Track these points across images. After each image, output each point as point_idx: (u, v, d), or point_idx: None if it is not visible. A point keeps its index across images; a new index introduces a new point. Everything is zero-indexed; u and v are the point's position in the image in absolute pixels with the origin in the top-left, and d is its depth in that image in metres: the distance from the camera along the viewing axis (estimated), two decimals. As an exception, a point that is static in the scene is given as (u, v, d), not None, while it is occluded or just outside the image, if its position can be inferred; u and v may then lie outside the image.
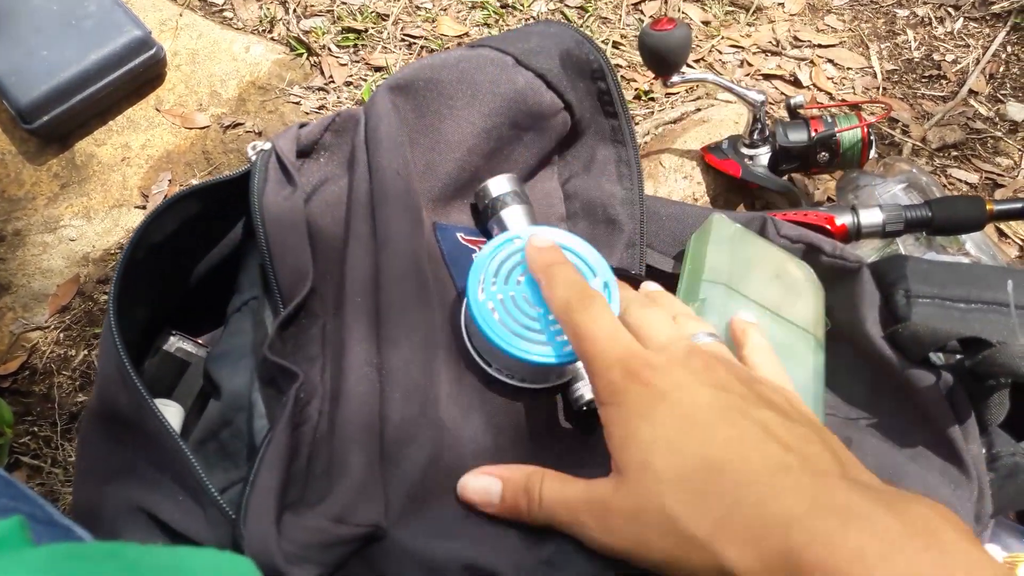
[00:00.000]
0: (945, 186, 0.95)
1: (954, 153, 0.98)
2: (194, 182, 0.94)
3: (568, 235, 0.47)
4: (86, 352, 0.82)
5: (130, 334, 0.44)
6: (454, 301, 0.48)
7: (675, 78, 0.73)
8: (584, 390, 0.45)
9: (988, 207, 0.67)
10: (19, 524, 0.23)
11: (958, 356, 0.51)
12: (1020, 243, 0.88)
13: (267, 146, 0.47)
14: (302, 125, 0.50)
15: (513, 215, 0.51)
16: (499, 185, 0.52)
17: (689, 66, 1.03)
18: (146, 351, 0.53)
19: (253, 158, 0.47)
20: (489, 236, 0.53)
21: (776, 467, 0.29)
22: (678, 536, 0.29)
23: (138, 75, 0.96)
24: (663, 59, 0.70)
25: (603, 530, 0.32)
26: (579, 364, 0.45)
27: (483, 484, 0.37)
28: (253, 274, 0.49)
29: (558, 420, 0.46)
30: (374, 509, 0.37)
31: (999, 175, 0.96)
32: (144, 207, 0.92)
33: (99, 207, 0.93)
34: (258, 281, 0.47)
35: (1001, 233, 0.89)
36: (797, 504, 0.27)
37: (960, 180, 0.95)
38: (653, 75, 0.80)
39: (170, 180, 0.94)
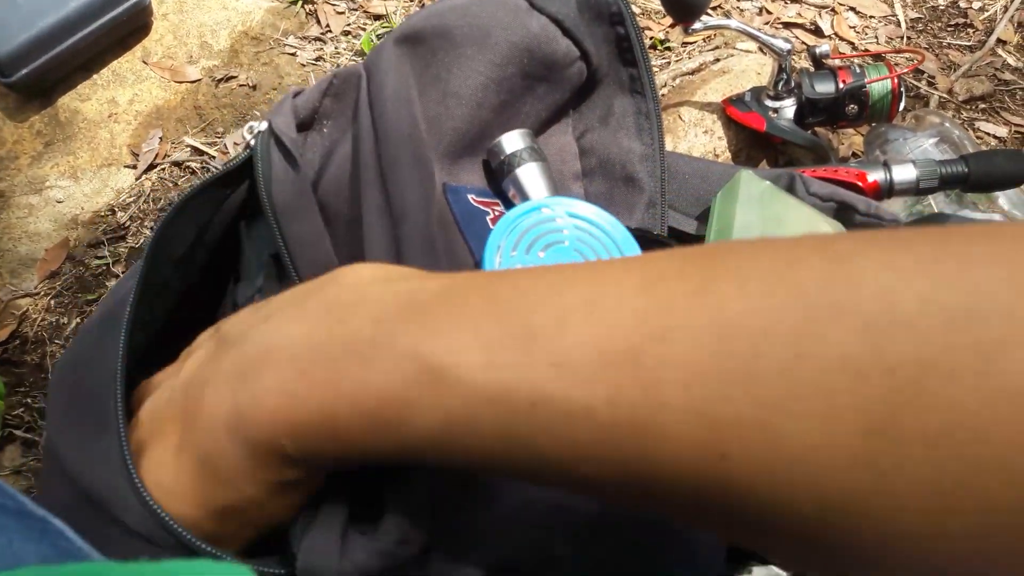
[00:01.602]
0: (976, 140, 0.91)
1: (982, 106, 0.94)
2: (187, 139, 0.89)
3: (591, 208, 0.43)
4: (79, 320, 0.79)
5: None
6: (470, 270, 0.44)
7: (696, 24, 0.68)
8: None
9: (1030, 162, 0.63)
10: None
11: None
12: (1051, 200, 0.85)
13: (264, 126, 0.42)
14: (296, 93, 0.44)
15: (529, 173, 0.48)
16: (513, 141, 0.48)
17: (707, 13, 0.98)
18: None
19: (252, 142, 0.41)
20: (503, 196, 0.49)
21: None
22: None
23: (122, 24, 0.91)
24: (685, 3, 0.65)
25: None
26: None
27: None
28: (257, 259, 0.45)
29: None
30: (427, 527, 0.34)
31: (1030, 129, 0.91)
32: (134, 166, 0.88)
33: (86, 166, 0.89)
34: (271, 270, 0.43)
35: (1032, 190, 0.85)
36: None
37: (989, 133, 0.91)
38: (673, 21, 0.75)
39: (161, 137, 0.90)
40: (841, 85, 0.72)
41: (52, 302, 0.80)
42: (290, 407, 0.24)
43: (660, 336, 0.20)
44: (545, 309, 0.22)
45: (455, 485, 0.36)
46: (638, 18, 0.97)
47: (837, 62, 0.77)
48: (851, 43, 0.98)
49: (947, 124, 0.75)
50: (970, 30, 1.01)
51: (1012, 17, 1.01)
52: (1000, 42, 0.99)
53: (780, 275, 0.19)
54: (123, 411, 0.31)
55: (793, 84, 0.73)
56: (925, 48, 0.99)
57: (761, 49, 0.88)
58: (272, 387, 0.25)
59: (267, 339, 0.26)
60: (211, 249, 0.43)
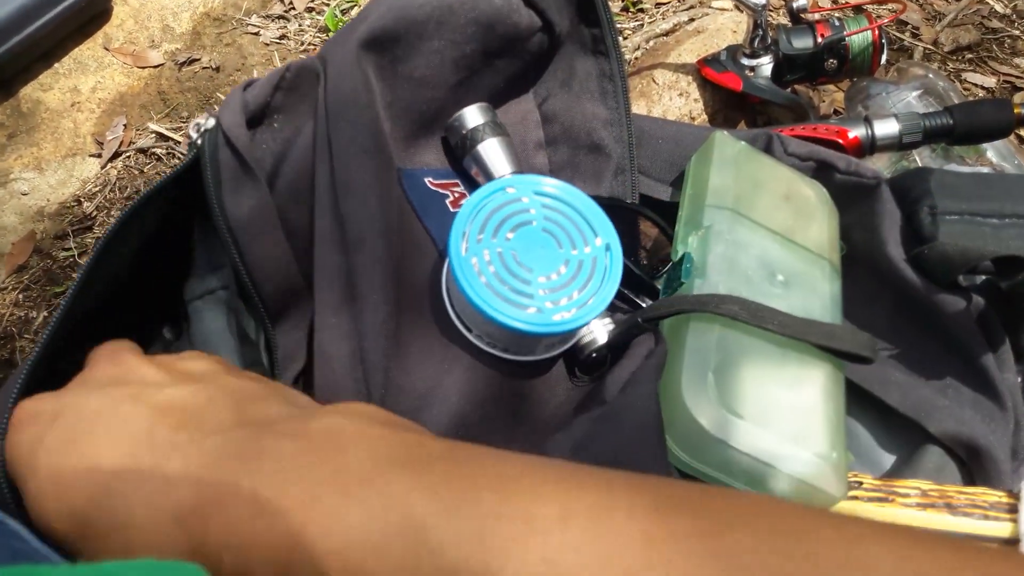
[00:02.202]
0: (962, 92, 0.88)
1: (969, 55, 0.91)
2: (151, 125, 0.87)
3: (558, 184, 0.41)
4: (47, 313, 0.77)
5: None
6: (435, 260, 0.42)
7: (667, -18, 0.65)
8: (597, 334, 0.42)
9: (1016, 110, 0.61)
10: None
11: (990, 277, 0.46)
12: (1041, 150, 0.82)
13: (211, 123, 0.38)
14: (247, 85, 0.41)
15: (491, 149, 0.46)
16: (472, 116, 0.46)
17: (681, -28, 0.95)
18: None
19: (199, 142, 0.38)
20: (465, 174, 0.47)
21: (166, 453, 0.26)
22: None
23: (82, 11, 0.88)
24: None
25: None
26: (580, 333, 0.41)
27: None
28: (210, 254, 0.42)
29: (541, 396, 0.42)
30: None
31: (1018, 77, 0.89)
32: (99, 155, 0.86)
33: (51, 157, 0.86)
34: (226, 273, 0.41)
35: (1022, 140, 0.83)
36: (192, 486, 0.25)
37: (976, 84, 0.88)
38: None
39: (125, 125, 0.87)
40: (819, 39, 0.69)
41: (20, 296, 0.78)
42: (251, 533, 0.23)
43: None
44: (549, 506, 0.21)
45: None
46: (611, -21, 0.94)
47: (816, 16, 0.74)
48: (832, -4, 0.95)
49: (931, 76, 0.73)
50: (956, -22, 0.98)
51: (999, -37, 0.98)
52: (987, -11, 0.96)
53: None
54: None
55: (770, 41, 0.70)
56: (909, -1, 0.96)
57: (737, 6, 0.85)
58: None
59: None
60: (153, 241, 0.41)
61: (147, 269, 0.39)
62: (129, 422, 0.27)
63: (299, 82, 0.41)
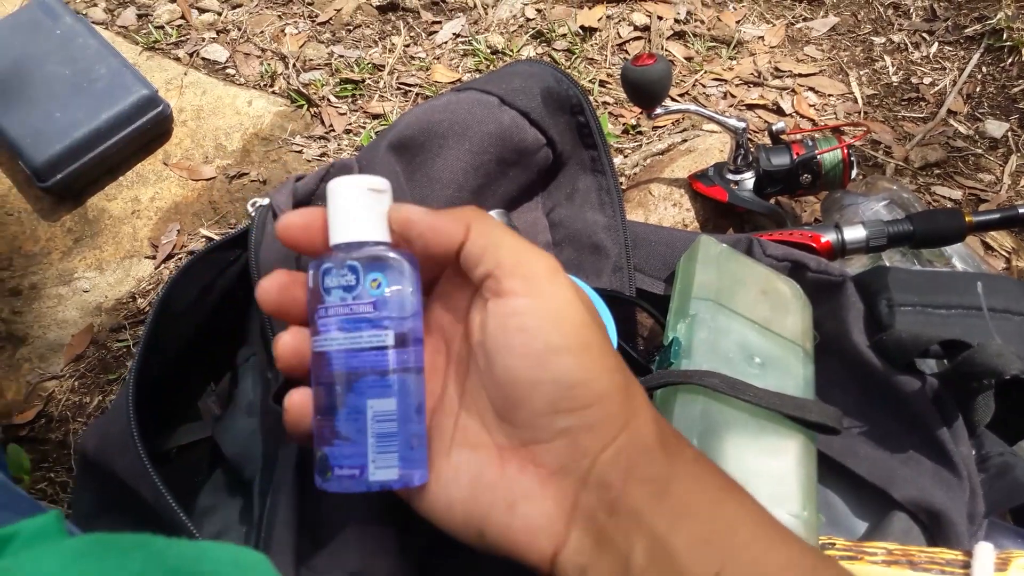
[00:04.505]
0: (929, 203, 0.97)
1: (937, 171, 1.01)
2: (202, 231, 0.97)
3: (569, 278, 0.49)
4: (100, 398, 0.85)
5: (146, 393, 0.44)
6: None
7: (658, 110, 0.76)
8: None
9: (967, 218, 0.69)
10: (55, 517, 0.25)
11: (939, 360, 0.53)
12: (1006, 255, 0.90)
13: (265, 202, 0.48)
14: (299, 178, 0.51)
15: None
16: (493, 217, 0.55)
17: (673, 99, 1.07)
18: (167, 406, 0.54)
19: (253, 214, 0.48)
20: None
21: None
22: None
23: (146, 132, 1.00)
24: (645, 93, 0.73)
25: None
26: None
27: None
28: (256, 325, 0.50)
29: None
30: (393, 560, 0.36)
31: (982, 190, 0.98)
32: (154, 256, 0.96)
33: (111, 259, 0.96)
34: (260, 335, 0.49)
35: (987, 247, 0.91)
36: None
37: (944, 196, 0.98)
38: (638, 109, 0.83)
39: (179, 230, 0.97)
40: (795, 157, 0.79)
41: (76, 383, 0.86)
42: None
43: None
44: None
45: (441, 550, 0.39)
46: (612, 107, 1.07)
47: (795, 136, 0.84)
48: (812, 120, 1.07)
49: (897, 187, 0.82)
50: (923, 103, 1.09)
51: (961, 90, 1.09)
52: (951, 112, 1.07)
53: None
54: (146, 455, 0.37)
55: (751, 158, 0.80)
56: (881, 121, 1.07)
57: (724, 130, 0.96)
58: None
59: None
60: (212, 309, 0.49)
61: (211, 339, 0.47)
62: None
63: (341, 174, 0.51)
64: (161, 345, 0.46)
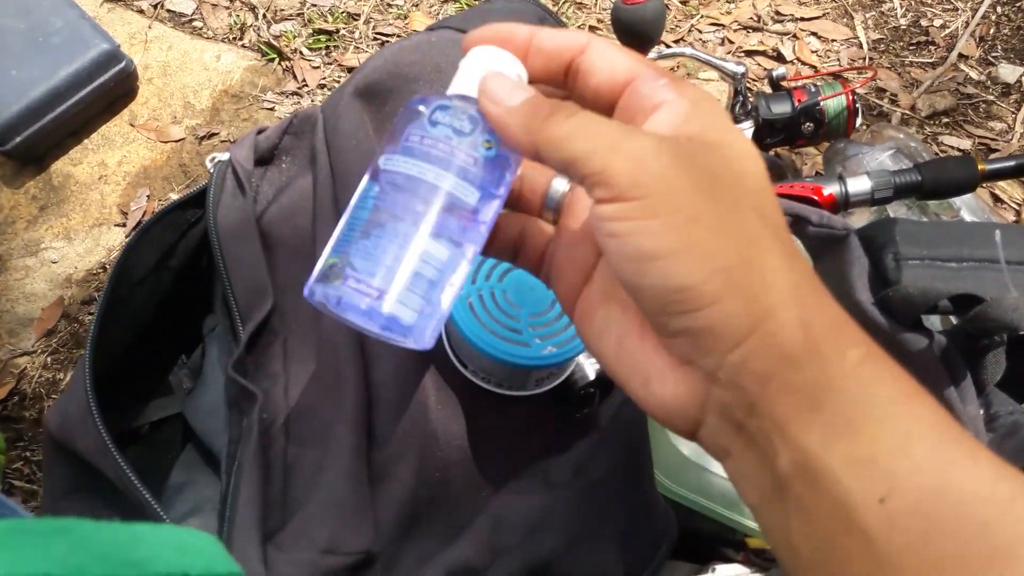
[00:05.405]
0: (936, 153, 0.93)
1: (945, 120, 0.96)
2: (173, 196, 0.93)
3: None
4: (74, 374, 0.81)
5: (106, 364, 0.42)
6: None
7: (651, 54, 0.71)
8: (587, 370, 0.44)
9: (980, 166, 0.65)
10: None
11: (950, 316, 0.49)
12: (1016, 207, 0.86)
13: (225, 156, 0.45)
14: (260, 131, 0.48)
15: None
16: None
17: (667, 45, 1.02)
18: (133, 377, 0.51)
19: (212, 171, 0.45)
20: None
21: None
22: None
23: (109, 90, 0.95)
24: (637, 33, 0.68)
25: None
26: (570, 370, 0.44)
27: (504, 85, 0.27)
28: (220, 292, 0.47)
29: (538, 425, 0.45)
30: (364, 535, 0.36)
31: (992, 139, 0.93)
32: (124, 224, 0.91)
33: (79, 227, 0.92)
34: (222, 303, 0.46)
35: (997, 199, 0.87)
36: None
37: (953, 147, 0.93)
38: (628, 55, 0.78)
39: (148, 195, 0.93)
40: (796, 104, 0.74)
41: (48, 359, 0.82)
42: None
43: None
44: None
45: (423, 497, 0.38)
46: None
47: (795, 83, 0.79)
48: (813, 67, 1.01)
49: (904, 136, 0.77)
50: (932, 47, 1.04)
51: (973, 32, 1.04)
52: (962, 57, 1.02)
53: None
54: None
55: (750, 107, 0.75)
56: (887, 67, 1.01)
57: (722, 76, 0.90)
58: None
59: None
60: (178, 276, 0.46)
61: (179, 308, 0.44)
62: None
63: (304, 126, 0.47)
64: (121, 316, 0.43)
